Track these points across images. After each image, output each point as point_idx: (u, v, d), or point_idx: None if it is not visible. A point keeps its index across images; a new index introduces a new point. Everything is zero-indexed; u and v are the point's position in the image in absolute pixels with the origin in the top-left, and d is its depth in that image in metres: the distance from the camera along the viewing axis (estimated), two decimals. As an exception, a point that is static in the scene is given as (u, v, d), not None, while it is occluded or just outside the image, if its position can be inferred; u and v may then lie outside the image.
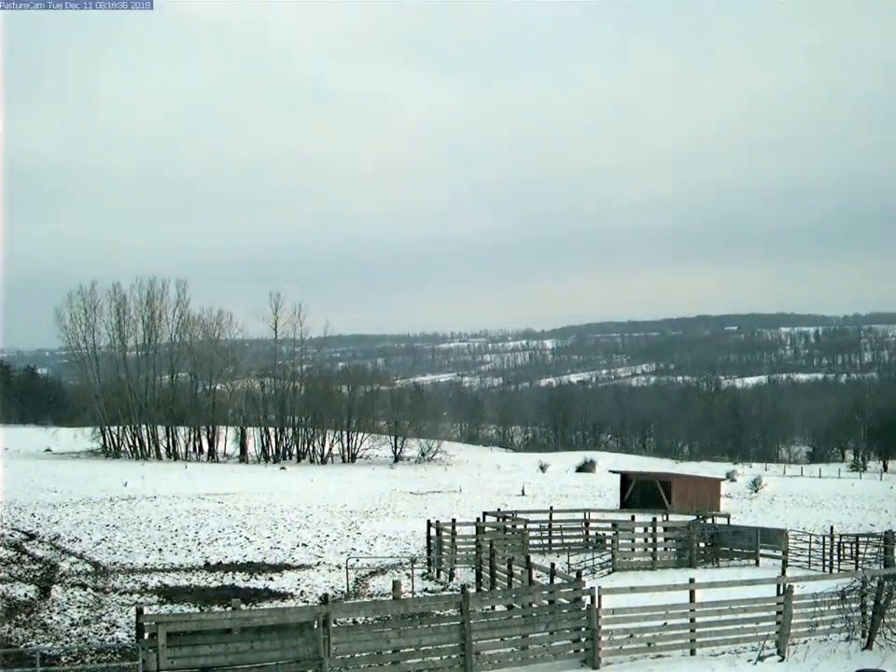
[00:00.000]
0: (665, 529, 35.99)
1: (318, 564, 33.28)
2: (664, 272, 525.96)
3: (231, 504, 52.36)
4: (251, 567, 32.03)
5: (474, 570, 30.19)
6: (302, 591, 28.14)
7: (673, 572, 32.07)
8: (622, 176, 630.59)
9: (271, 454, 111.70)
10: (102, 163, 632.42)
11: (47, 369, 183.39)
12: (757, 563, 34.98)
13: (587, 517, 39.22)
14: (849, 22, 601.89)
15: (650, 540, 35.26)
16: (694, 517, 39.12)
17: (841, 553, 35.32)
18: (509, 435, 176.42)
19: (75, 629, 22.64)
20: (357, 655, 17.54)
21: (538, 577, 23.97)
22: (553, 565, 23.22)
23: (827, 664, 19.18)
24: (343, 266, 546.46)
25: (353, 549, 35.72)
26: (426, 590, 28.80)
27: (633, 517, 38.45)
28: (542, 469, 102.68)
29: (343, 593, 27.70)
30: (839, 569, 33.55)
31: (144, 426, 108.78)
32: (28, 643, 20.66)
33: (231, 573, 30.92)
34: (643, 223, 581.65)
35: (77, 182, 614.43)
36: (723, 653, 20.01)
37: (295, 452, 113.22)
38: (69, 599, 26.15)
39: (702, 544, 35.63)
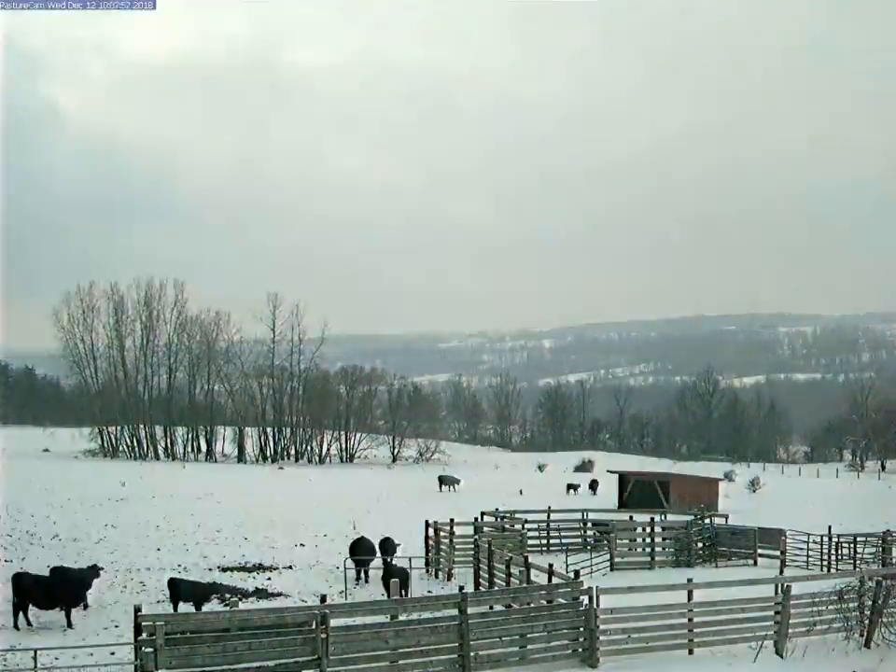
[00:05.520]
0: (664, 529, 35.98)
1: (316, 564, 33.26)
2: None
3: (229, 504, 52.32)
4: (249, 567, 32.01)
5: (472, 570, 30.16)
6: (300, 591, 28.11)
7: (671, 572, 32.08)
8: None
9: (269, 454, 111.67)
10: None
11: (44, 369, 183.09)
12: (755, 563, 35.01)
13: (585, 517, 39.19)
14: None
15: (648, 540, 35.26)
16: (693, 517, 39.12)
17: (839, 552, 35.34)
18: (507, 435, 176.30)
19: (72, 627, 22.62)
20: (355, 655, 17.54)
21: (536, 577, 23.95)
22: (551, 565, 23.20)
23: (825, 663, 19.22)
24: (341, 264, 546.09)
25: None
26: (425, 591, 28.76)
27: (631, 517, 38.43)
28: (540, 468, 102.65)
29: (340, 593, 27.69)
30: (837, 569, 33.57)
31: (142, 426, 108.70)
32: (26, 643, 20.62)
33: (228, 573, 30.90)
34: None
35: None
36: (721, 653, 20.02)
37: (293, 452, 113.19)
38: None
39: (700, 544, 35.65)
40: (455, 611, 18.74)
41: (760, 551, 35.40)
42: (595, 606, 19.39)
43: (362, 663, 17.55)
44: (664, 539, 35.42)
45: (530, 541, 35.55)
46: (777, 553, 34.54)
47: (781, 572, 30.63)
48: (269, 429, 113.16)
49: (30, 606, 22.49)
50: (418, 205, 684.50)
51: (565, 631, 19.48)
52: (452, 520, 34.63)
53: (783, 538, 35.23)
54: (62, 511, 46.69)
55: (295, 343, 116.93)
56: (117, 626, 22.83)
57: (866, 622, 20.65)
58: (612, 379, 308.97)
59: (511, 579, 24.93)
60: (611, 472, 67.96)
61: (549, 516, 38.93)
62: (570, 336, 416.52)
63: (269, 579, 30.05)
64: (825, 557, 35.10)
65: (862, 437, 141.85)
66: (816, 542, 35.81)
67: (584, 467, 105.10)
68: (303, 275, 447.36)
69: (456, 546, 32.60)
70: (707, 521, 37.91)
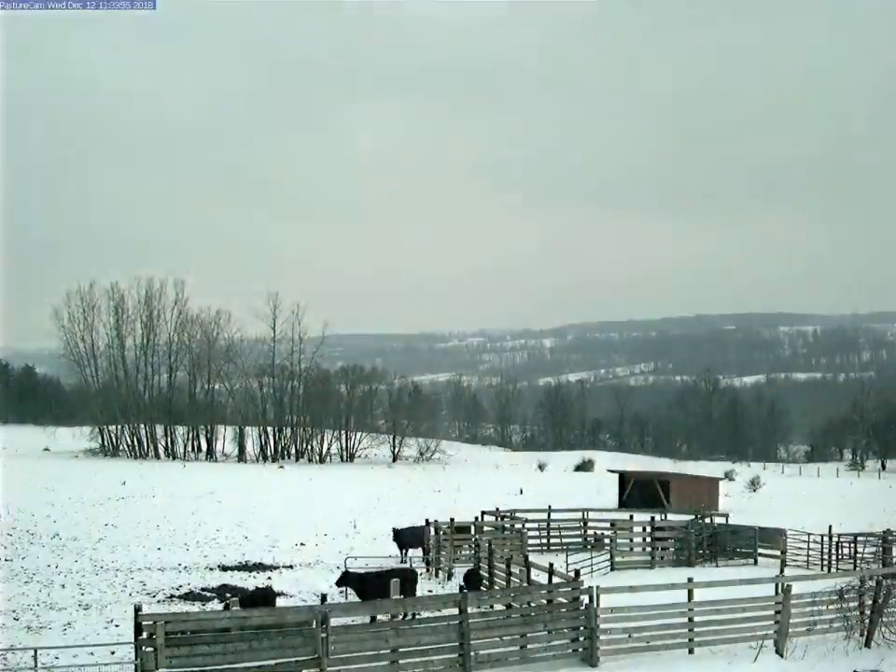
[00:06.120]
0: (664, 529, 35.97)
1: (317, 563, 33.26)
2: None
3: (230, 503, 52.34)
4: (249, 567, 32.01)
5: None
6: (301, 590, 28.10)
7: (671, 571, 32.05)
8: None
9: (269, 453, 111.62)
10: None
11: (45, 368, 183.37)
12: (755, 562, 35.00)
13: (585, 516, 39.16)
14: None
15: (648, 540, 35.25)
16: (693, 516, 39.11)
17: (839, 552, 35.32)
18: (507, 434, 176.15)
19: (73, 627, 22.65)
20: (355, 655, 17.53)
21: (536, 576, 23.96)
22: (551, 564, 23.20)
23: (826, 662, 19.22)
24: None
25: (351, 548, 35.69)
26: (425, 590, 28.75)
27: (631, 516, 38.41)
28: (541, 468, 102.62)
29: (341, 592, 27.68)
30: (837, 569, 33.57)
31: (142, 425, 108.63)
32: (27, 642, 20.62)
33: (229, 572, 30.91)
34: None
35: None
36: (722, 652, 20.03)
37: (293, 451, 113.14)
38: (67, 598, 26.15)
39: (700, 543, 35.62)
40: (455, 611, 18.74)
41: (760, 550, 35.38)
42: (595, 605, 19.39)
43: (362, 662, 17.55)
44: (664, 539, 35.40)
45: (530, 541, 35.53)
46: (778, 552, 34.53)
47: (782, 572, 30.60)
48: (269, 429, 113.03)
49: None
50: (418, 204, 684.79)
51: (565, 630, 19.48)
52: (452, 519, 34.63)
53: (783, 537, 35.23)
54: (62, 510, 46.72)
55: (295, 343, 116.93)
56: (117, 626, 22.83)
57: (867, 621, 20.65)
58: (612, 379, 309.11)
59: (512, 578, 24.93)
60: (611, 472, 67.93)
61: (549, 516, 38.91)
62: (571, 336, 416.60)
63: (269, 578, 30.03)
64: (825, 557, 35.08)
65: (863, 436, 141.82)
66: (816, 542, 35.79)
67: (584, 466, 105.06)
68: (304, 274, 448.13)
69: (457, 545, 32.60)
70: (707, 520, 37.92)
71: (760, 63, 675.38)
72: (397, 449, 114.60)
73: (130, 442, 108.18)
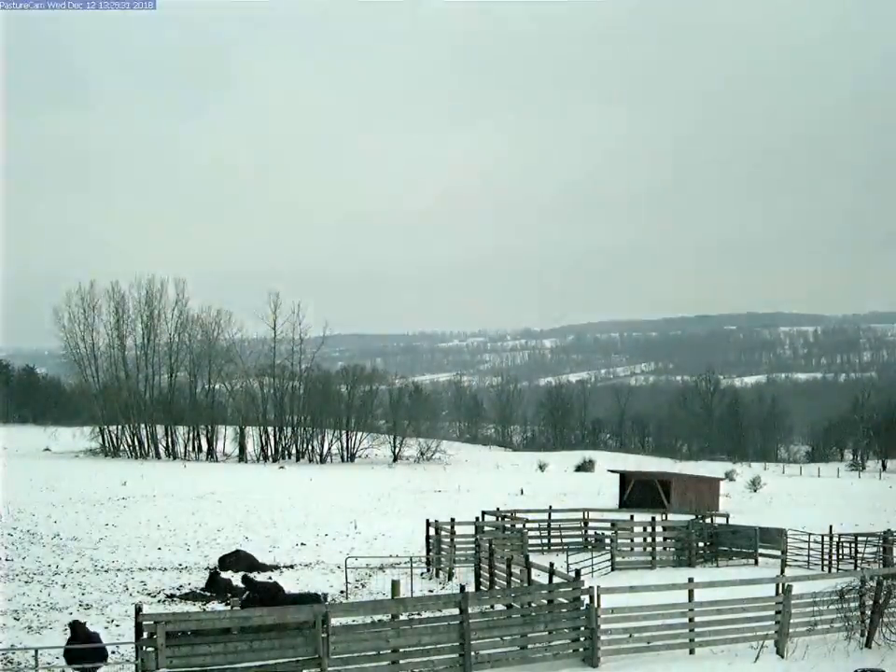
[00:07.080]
0: (664, 529, 35.98)
1: (317, 563, 33.28)
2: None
3: (230, 503, 52.35)
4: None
5: (473, 570, 30.15)
6: (301, 590, 28.07)
7: (672, 571, 32.05)
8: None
9: (270, 453, 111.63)
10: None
11: (46, 368, 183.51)
12: (756, 562, 35.01)
13: (586, 516, 39.17)
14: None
15: (649, 540, 35.26)
16: (693, 516, 39.10)
17: (840, 552, 35.34)
18: (508, 434, 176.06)
19: (73, 628, 22.64)
20: (356, 655, 17.53)
21: (537, 576, 23.94)
22: (552, 564, 23.19)
23: (826, 662, 19.21)
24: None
25: (352, 548, 35.70)
26: (426, 590, 28.76)
27: (632, 517, 38.41)
28: (541, 468, 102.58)
29: (342, 592, 27.70)
30: (838, 569, 33.57)
31: (143, 425, 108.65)
32: (27, 642, 20.62)
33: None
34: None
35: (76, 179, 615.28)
36: (722, 652, 20.02)
37: (294, 451, 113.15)
38: (68, 598, 26.15)
39: (701, 543, 35.64)
40: (455, 611, 18.73)
41: (761, 550, 35.39)
42: (595, 605, 19.39)
43: (363, 662, 17.55)
44: (664, 539, 35.42)
45: (531, 541, 35.52)
46: (778, 552, 34.54)
47: (782, 572, 30.57)
48: (270, 429, 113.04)
49: None
50: (422, 207, 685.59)
51: (565, 630, 19.47)
52: (453, 519, 34.64)
53: (784, 537, 35.24)
54: (62, 510, 46.72)
55: (296, 343, 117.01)
56: (118, 626, 22.82)
57: (867, 621, 20.64)
58: (613, 378, 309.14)
59: (512, 578, 24.93)
60: (612, 472, 67.91)
61: (550, 516, 38.91)
62: (571, 336, 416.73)
63: (270, 578, 30.03)
64: (826, 557, 35.09)
65: (863, 437, 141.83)
66: (817, 542, 35.80)
67: (585, 466, 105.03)
68: (305, 274, 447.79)
69: (457, 545, 32.61)
70: (708, 520, 37.93)
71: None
72: (397, 449, 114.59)
73: (130, 442, 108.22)
